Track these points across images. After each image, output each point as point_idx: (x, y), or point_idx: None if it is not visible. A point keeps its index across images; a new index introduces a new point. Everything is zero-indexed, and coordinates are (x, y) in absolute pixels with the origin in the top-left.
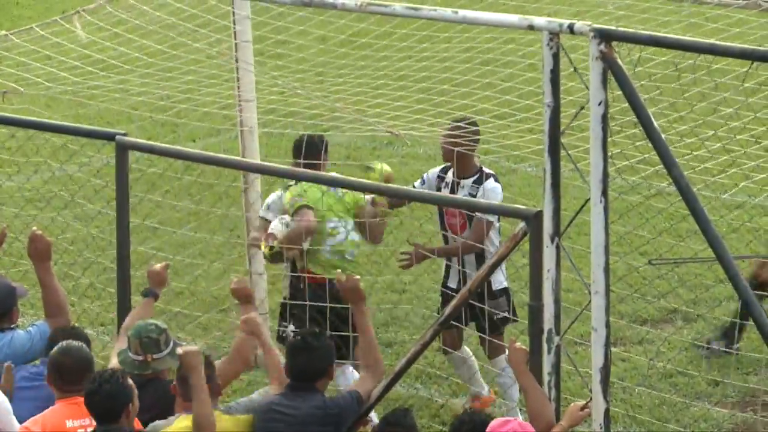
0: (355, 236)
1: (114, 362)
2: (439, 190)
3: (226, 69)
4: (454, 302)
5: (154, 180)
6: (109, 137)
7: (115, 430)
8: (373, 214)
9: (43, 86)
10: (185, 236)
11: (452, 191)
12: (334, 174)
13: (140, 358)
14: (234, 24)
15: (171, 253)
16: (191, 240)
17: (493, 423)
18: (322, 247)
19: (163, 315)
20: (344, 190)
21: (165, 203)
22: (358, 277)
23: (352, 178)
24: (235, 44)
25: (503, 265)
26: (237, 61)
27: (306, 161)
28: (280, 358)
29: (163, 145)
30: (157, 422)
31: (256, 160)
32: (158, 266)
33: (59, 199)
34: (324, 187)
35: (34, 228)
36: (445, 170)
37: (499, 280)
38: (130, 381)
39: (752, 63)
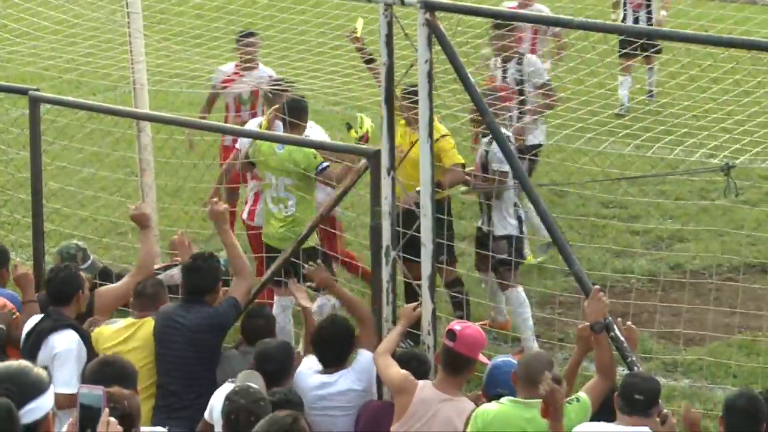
0: (283, 194)
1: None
2: None
3: (119, 34)
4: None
5: (62, 128)
6: (23, 92)
7: (62, 318)
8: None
9: None
10: (89, 174)
11: None
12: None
13: None
14: None
15: (77, 188)
16: (94, 177)
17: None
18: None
19: (74, 238)
20: (287, 147)
21: (71, 146)
22: (224, 205)
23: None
24: (127, 13)
25: (510, 213)
26: (129, 27)
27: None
28: (154, 249)
29: (69, 98)
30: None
31: (146, 110)
32: (133, 208)
33: None
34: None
35: None
36: None
37: (503, 226)
38: (83, 275)
39: (547, 27)
